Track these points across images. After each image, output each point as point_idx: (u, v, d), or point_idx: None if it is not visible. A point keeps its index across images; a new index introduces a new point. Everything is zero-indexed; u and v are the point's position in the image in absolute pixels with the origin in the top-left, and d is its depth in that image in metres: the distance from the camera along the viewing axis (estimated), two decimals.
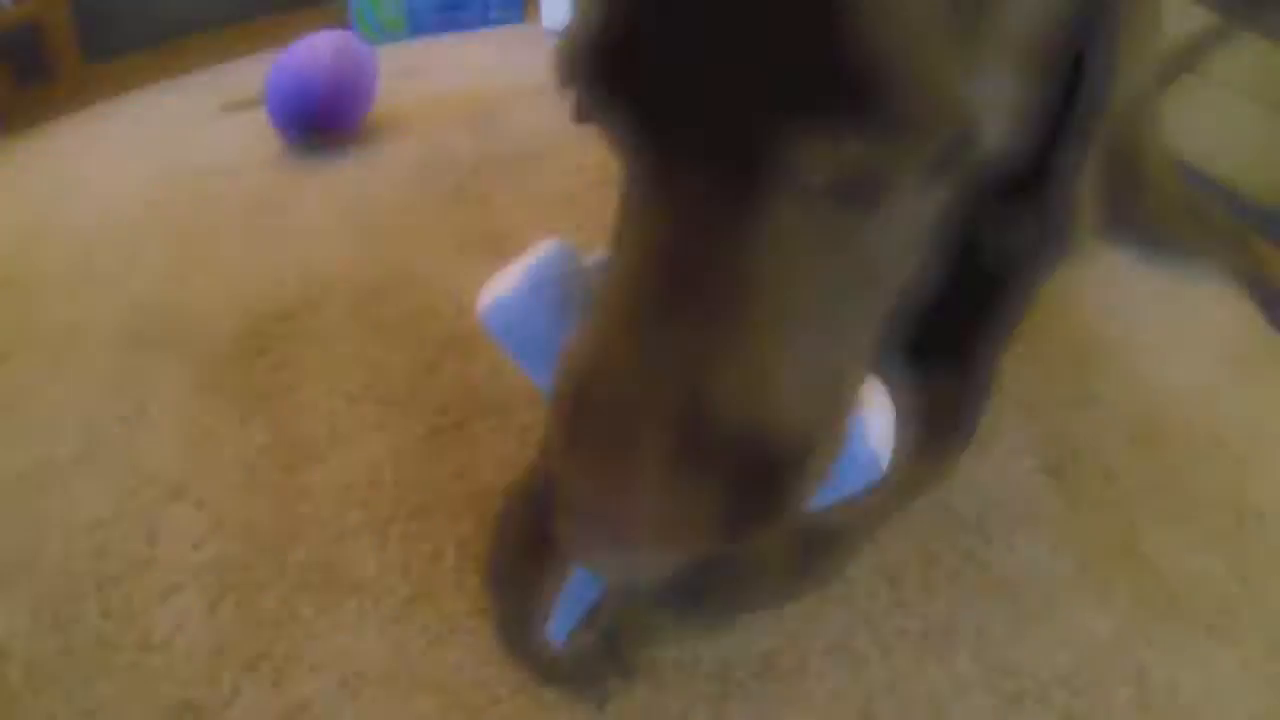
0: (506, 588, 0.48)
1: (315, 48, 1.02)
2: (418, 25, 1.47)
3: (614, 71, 0.29)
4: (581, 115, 0.32)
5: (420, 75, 1.34)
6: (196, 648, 0.49)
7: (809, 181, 0.28)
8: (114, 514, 0.58)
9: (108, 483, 0.60)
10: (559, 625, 0.43)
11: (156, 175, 1.04)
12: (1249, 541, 0.57)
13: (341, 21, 1.45)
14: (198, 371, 0.70)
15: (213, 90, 1.29)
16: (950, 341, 0.50)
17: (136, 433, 0.65)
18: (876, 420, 0.36)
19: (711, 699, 0.47)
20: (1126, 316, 0.78)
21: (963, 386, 0.54)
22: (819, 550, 0.50)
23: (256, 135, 1.11)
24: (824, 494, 0.35)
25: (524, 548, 0.47)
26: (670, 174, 0.29)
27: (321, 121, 1.04)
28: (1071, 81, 0.36)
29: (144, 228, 0.93)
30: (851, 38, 0.26)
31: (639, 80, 0.29)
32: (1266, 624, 0.51)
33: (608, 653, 0.46)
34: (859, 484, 0.36)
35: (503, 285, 0.40)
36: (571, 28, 0.30)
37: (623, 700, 0.46)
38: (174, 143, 1.12)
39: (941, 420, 0.52)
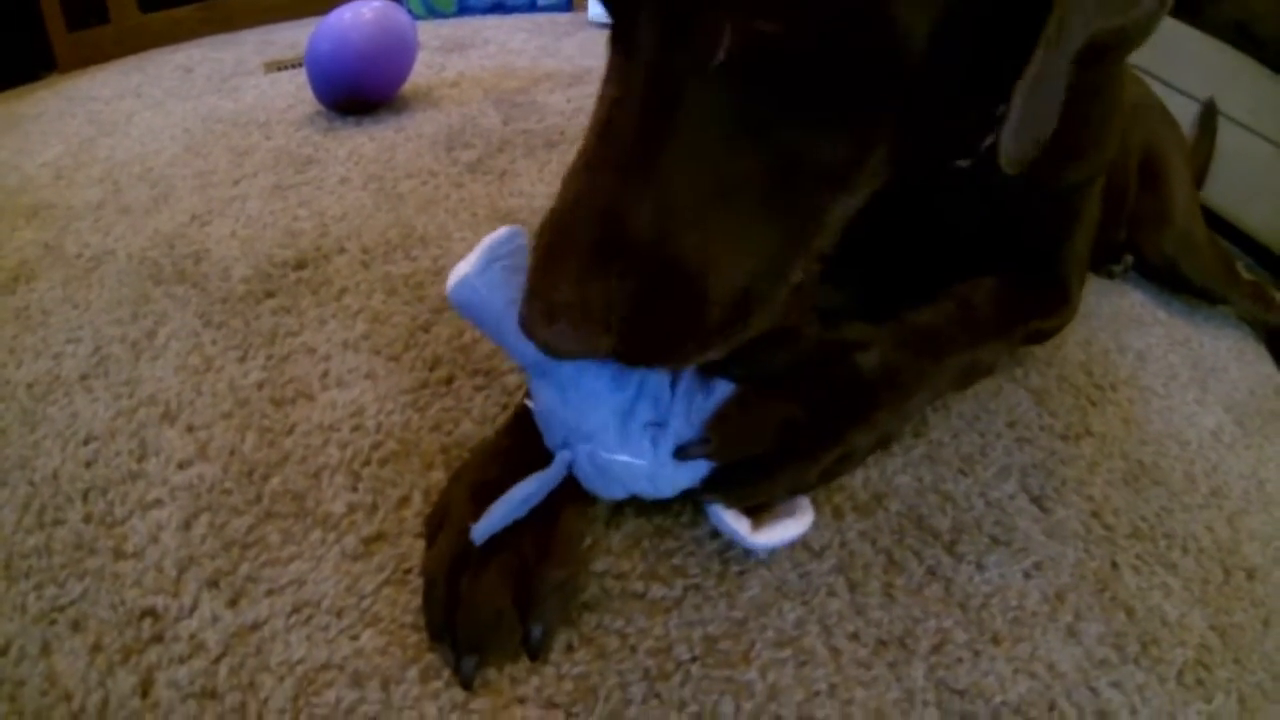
0: (439, 558, 0.49)
1: (359, 15, 1.05)
2: (466, 5, 1.50)
3: None
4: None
5: (460, 52, 1.37)
6: (165, 560, 0.51)
7: (724, 56, 0.36)
8: (109, 430, 0.60)
9: (107, 400, 0.63)
10: (482, 527, 0.45)
11: (194, 122, 1.08)
12: (1234, 598, 0.55)
13: None
14: (207, 308, 0.73)
15: (258, 48, 1.33)
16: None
17: (141, 358, 0.67)
18: (782, 527, 0.50)
19: (650, 675, 0.47)
20: (1137, 358, 0.77)
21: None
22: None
23: (294, 95, 1.15)
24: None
25: (457, 536, 0.48)
26: (624, 57, 0.38)
27: (357, 88, 1.08)
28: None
29: (175, 169, 0.96)
30: None
31: None
32: (1241, 683, 0.49)
33: (521, 624, 0.46)
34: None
35: (463, 267, 0.47)
36: None
37: (561, 664, 0.47)
38: (215, 94, 1.16)
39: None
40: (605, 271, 0.37)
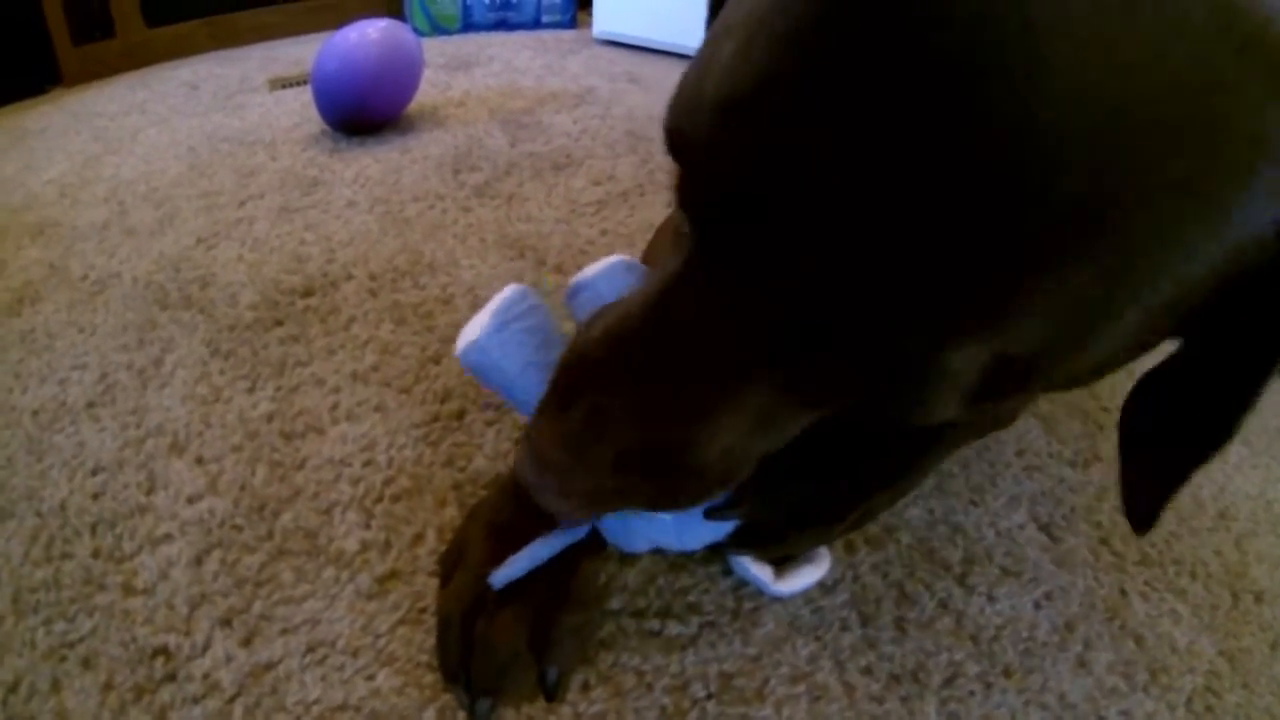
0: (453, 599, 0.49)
1: (365, 35, 1.05)
2: (471, 22, 1.51)
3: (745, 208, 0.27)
4: (675, 150, 0.31)
5: (465, 70, 1.37)
6: (176, 597, 0.51)
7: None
8: (117, 461, 0.60)
9: (115, 430, 0.63)
10: (502, 574, 0.46)
11: (199, 140, 1.08)
12: (1242, 623, 0.55)
13: (395, 9, 1.49)
14: (214, 335, 0.73)
15: (263, 64, 1.32)
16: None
17: (149, 386, 0.67)
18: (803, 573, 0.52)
19: (666, 713, 0.47)
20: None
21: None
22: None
23: (299, 113, 1.15)
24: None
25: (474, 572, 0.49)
26: (729, 305, 0.30)
27: (363, 108, 1.07)
28: None
29: (180, 190, 0.96)
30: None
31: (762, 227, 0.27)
32: (1250, 708, 0.50)
33: (535, 666, 0.47)
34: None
35: (473, 329, 0.46)
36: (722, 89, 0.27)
37: (578, 703, 0.47)
38: (220, 111, 1.16)
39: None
40: (628, 480, 0.36)
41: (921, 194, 0.23)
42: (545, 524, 0.47)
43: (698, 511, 0.46)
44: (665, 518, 0.46)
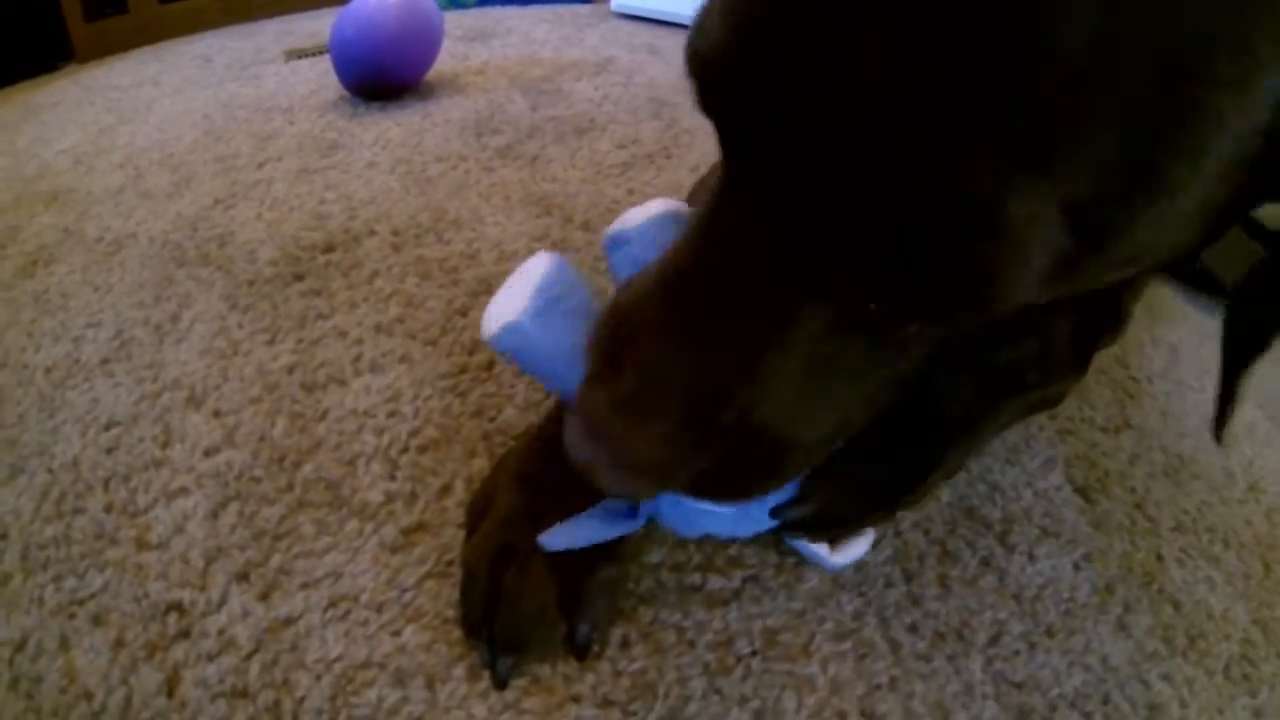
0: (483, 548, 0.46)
1: (383, 1, 1.02)
2: None
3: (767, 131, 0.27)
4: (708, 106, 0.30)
5: (483, 41, 1.34)
6: (192, 551, 0.48)
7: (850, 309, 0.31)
8: (132, 415, 0.57)
9: (130, 385, 0.60)
10: (555, 540, 0.42)
11: (215, 109, 1.05)
12: (1275, 592, 0.53)
13: None
14: (233, 290, 0.70)
15: (277, 38, 1.30)
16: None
17: (165, 341, 0.64)
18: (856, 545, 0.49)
19: (709, 670, 0.44)
20: (1170, 351, 0.75)
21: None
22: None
23: (316, 81, 1.12)
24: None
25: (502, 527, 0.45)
26: (767, 231, 0.29)
27: (382, 72, 1.04)
28: None
29: (197, 155, 0.93)
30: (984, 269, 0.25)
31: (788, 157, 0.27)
32: None
33: (564, 625, 0.44)
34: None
35: (508, 309, 0.41)
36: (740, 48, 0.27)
37: (618, 660, 0.44)
38: (235, 82, 1.13)
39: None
40: (691, 442, 0.33)
41: (943, 32, 0.22)
42: (575, 478, 0.44)
43: (759, 502, 0.43)
44: (725, 511, 0.43)
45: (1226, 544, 0.56)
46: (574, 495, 0.42)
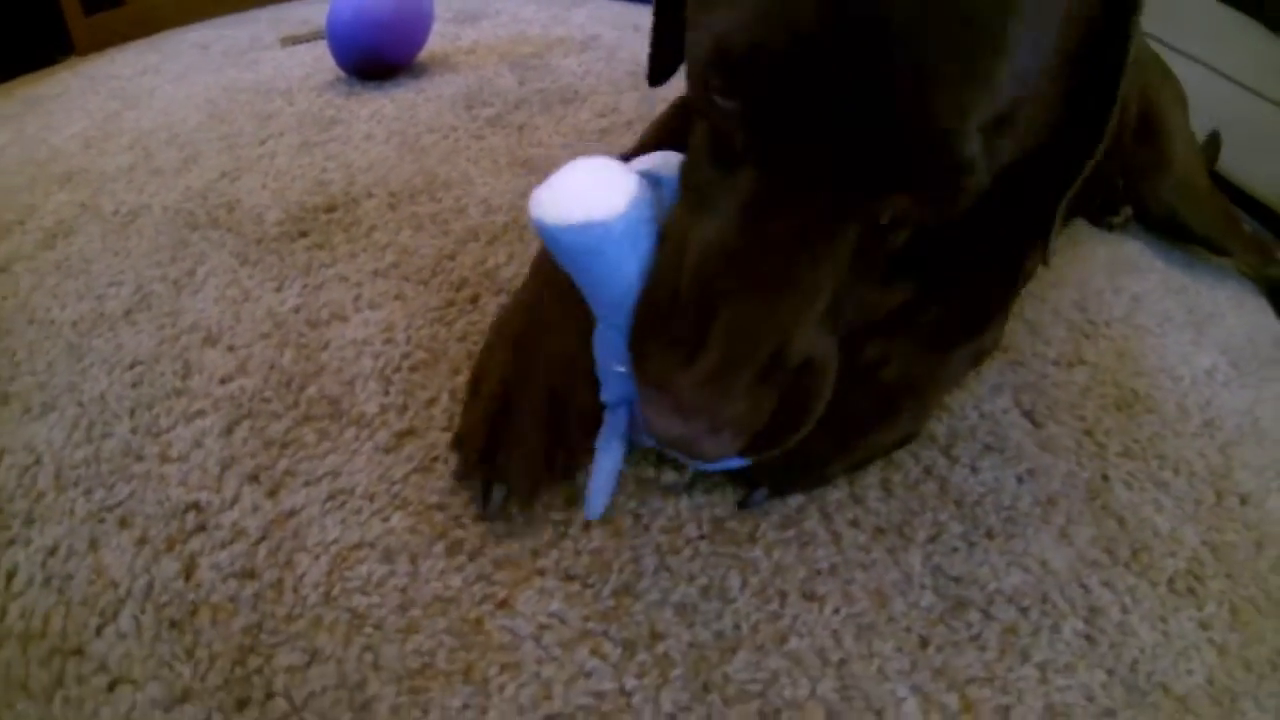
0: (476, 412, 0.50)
1: None
2: None
3: (754, 83, 0.35)
4: (704, 94, 0.38)
5: (473, 23, 1.39)
6: (209, 461, 0.53)
7: (870, 220, 0.39)
8: (154, 355, 0.63)
9: (151, 330, 0.65)
10: (596, 503, 0.46)
11: (216, 93, 1.11)
12: (1227, 519, 0.55)
13: None
14: (243, 248, 0.75)
15: (271, 25, 1.35)
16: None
17: (182, 293, 0.70)
18: None
19: (661, 551, 0.48)
20: (1132, 300, 0.77)
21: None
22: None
23: (313, 65, 1.17)
24: None
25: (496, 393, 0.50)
26: (783, 189, 0.38)
27: (377, 52, 1.10)
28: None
29: (202, 133, 0.99)
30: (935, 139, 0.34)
31: (770, 108, 0.36)
32: (1234, 596, 0.50)
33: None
34: None
35: (593, 203, 0.39)
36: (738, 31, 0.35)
37: (579, 539, 0.48)
38: (234, 67, 1.19)
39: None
40: (765, 394, 0.38)
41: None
42: (557, 337, 0.49)
43: None
44: None
45: (1176, 471, 0.58)
46: (555, 349, 0.49)
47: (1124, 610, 0.48)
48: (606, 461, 0.47)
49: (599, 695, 0.40)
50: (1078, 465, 0.57)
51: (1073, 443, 0.59)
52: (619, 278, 0.40)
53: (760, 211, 0.38)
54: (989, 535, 0.51)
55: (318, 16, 1.10)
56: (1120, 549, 0.51)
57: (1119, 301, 0.76)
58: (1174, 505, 0.55)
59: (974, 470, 0.55)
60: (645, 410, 0.39)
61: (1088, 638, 0.46)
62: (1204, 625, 0.48)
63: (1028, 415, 0.60)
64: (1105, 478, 0.56)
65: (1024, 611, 0.47)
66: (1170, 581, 0.50)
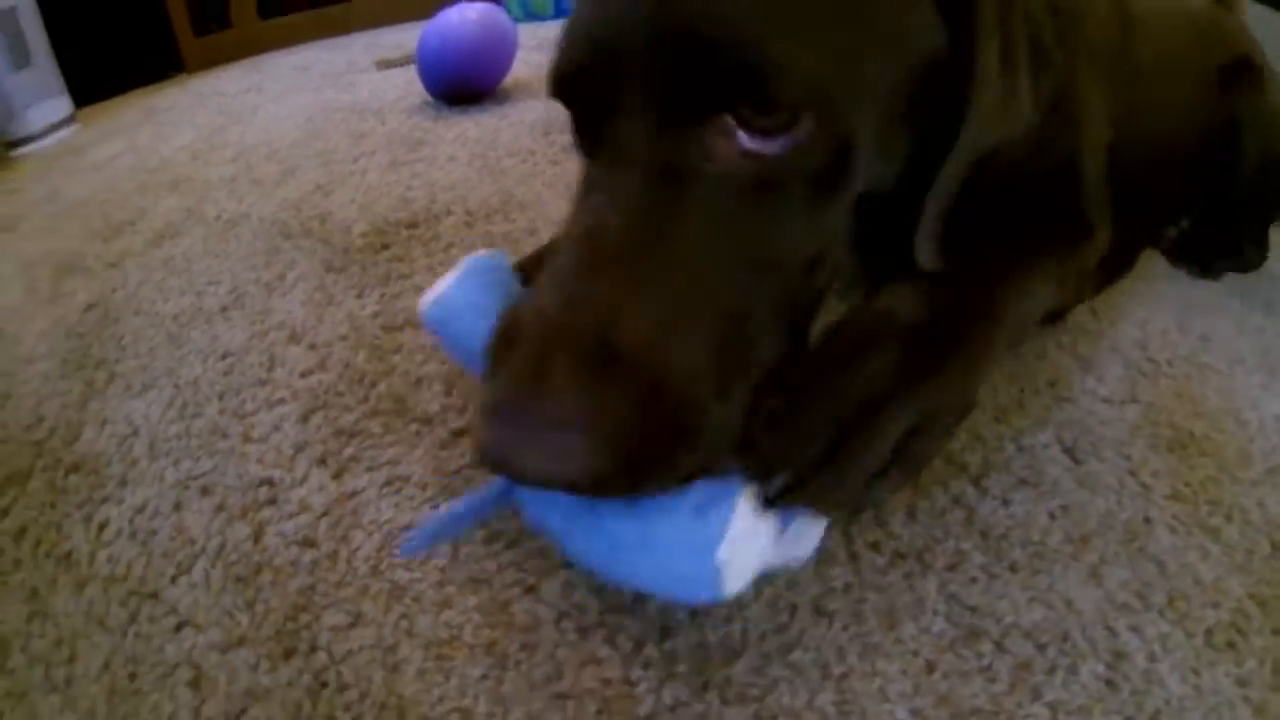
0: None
1: (465, 14, 1.14)
2: (563, 9, 1.59)
3: (569, 91, 0.42)
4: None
5: None
6: (284, 443, 0.58)
7: (709, 175, 0.38)
8: (244, 347, 0.68)
9: (243, 326, 0.71)
10: (418, 537, 0.44)
11: (314, 111, 1.19)
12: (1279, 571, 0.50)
13: None
14: (330, 257, 0.81)
15: (367, 49, 1.44)
16: None
17: (273, 294, 0.76)
18: (747, 540, 0.36)
19: None
20: (1200, 339, 0.71)
21: None
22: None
23: (404, 88, 1.25)
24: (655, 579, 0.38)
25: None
26: (607, 170, 0.39)
27: (463, 79, 1.17)
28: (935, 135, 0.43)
29: (299, 149, 1.07)
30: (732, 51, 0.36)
31: (582, 100, 0.42)
32: (1279, 655, 0.45)
33: None
34: (688, 589, 0.38)
35: (439, 286, 0.49)
36: (553, 55, 0.42)
37: None
38: (331, 88, 1.28)
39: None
40: (600, 383, 0.34)
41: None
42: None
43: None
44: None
45: (1229, 518, 0.53)
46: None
47: (1152, 658, 0.45)
48: (460, 506, 0.43)
49: (605, 682, 0.42)
50: (1117, 504, 0.54)
51: (1115, 481, 0.55)
52: (476, 334, 0.42)
53: (584, 200, 0.41)
54: (1012, 569, 0.49)
55: (410, 41, 1.17)
56: (1155, 594, 0.48)
57: (1185, 340, 0.71)
58: (1222, 553, 0.51)
59: (1004, 503, 0.53)
60: (477, 436, 0.35)
61: (1108, 682, 0.43)
62: (1241, 682, 0.44)
63: (1068, 451, 0.57)
64: (1147, 519, 0.53)
65: (1041, 648, 0.45)
66: (1208, 633, 0.46)
